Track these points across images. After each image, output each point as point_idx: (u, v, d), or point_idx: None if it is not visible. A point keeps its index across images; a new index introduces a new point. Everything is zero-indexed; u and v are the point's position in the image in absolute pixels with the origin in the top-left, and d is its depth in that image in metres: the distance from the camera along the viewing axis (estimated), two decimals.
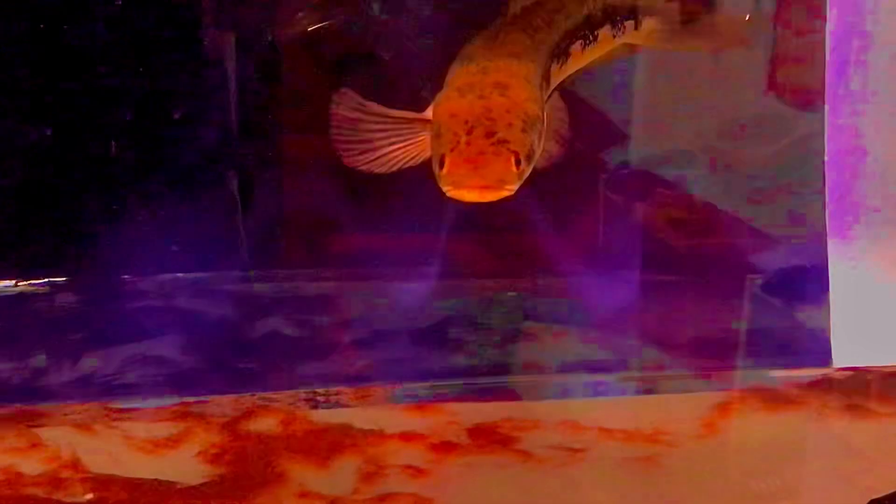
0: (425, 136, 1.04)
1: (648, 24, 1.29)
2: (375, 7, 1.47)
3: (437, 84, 1.09)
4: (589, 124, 1.53)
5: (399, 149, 1.07)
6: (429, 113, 1.04)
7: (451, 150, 0.96)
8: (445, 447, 1.19)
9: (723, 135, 1.65)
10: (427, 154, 1.04)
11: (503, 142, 0.96)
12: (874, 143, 1.46)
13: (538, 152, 1.02)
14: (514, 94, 1.01)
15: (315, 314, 1.51)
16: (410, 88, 1.43)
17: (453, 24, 1.48)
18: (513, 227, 1.51)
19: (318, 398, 1.26)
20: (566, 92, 1.19)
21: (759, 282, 1.61)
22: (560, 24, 1.18)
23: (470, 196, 0.95)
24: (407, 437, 1.20)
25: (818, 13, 1.48)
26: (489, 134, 0.96)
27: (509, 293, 1.61)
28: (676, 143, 1.63)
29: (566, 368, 1.46)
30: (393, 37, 1.51)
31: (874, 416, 1.33)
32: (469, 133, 0.96)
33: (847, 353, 1.47)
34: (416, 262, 1.52)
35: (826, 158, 1.46)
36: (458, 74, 1.06)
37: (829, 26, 1.44)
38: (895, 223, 1.47)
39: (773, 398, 1.33)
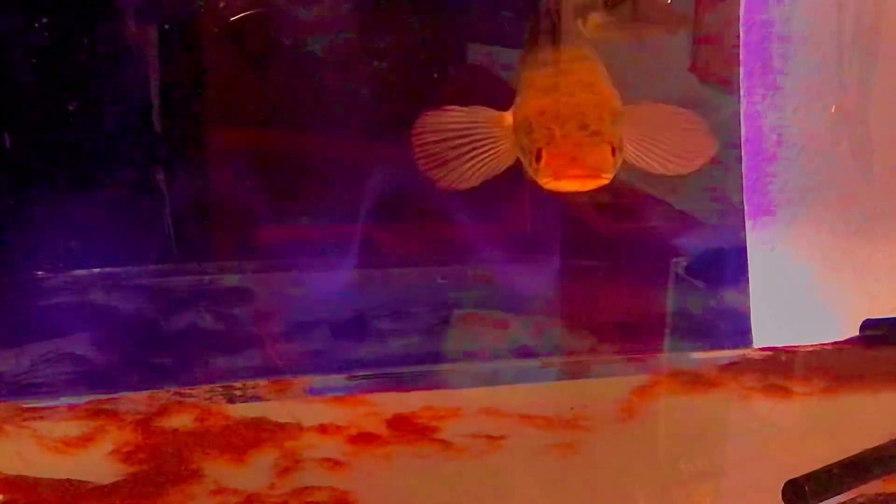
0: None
1: (593, 18, 1.33)
2: None
3: None
4: None
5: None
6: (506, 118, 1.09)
7: (548, 144, 1.01)
8: (364, 439, 1.17)
9: None
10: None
11: (597, 133, 1.02)
12: (790, 126, 1.48)
13: (624, 145, 1.08)
14: (600, 91, 1.07)
15: (234, 307, 1.49)
16: None
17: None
18: (440, 215, 1.51)
19: (235, 392, 1.25)
20: None
21: (683, 264, 1.62)
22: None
23: (570, 186, 1.01)
24: (325, 429, 1.18)
25: None
26: (583, 127, 1.02)
27: (437, 279, 1.61)
28: None
29: (487, 355, 1.46)
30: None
31: (793, 395, 1.33)
32: (563, 127, 1.02)
33: (767, 333, 1.48)
34: (339, 251, 1.51)
35: (743, 141, 1.47)
36: (535, 78, 1.11)
37: (743, 11, 1.44)
38: (811, 206, 1.48)
39: (693, 380, 1.34)
